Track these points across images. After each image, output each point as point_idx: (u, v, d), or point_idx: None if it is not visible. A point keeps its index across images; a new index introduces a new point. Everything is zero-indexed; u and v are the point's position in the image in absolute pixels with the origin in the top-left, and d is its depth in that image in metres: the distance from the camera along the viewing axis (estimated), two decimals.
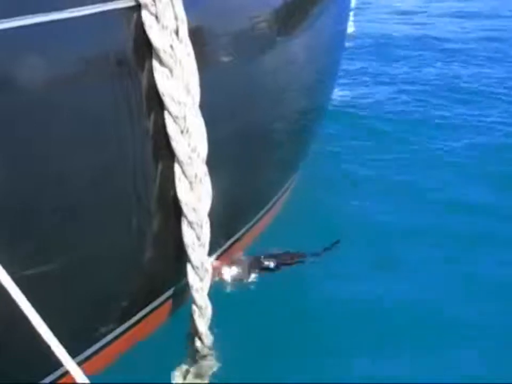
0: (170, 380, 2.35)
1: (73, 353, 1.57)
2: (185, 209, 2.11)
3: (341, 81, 6.46)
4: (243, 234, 2.98)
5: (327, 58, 4.23)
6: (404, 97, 6.81)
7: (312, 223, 3.99)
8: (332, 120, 5.38)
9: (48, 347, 1.49)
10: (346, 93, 6.81)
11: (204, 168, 2.13)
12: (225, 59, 2.44)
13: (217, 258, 2.64)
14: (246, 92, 2.63)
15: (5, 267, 1.46)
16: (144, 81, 1.97)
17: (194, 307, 2.30)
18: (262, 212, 3.22)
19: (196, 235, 2.17)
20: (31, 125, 1.67)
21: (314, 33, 3.53)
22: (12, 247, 1.65)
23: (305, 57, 3.38)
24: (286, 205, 3.75)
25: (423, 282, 3.54)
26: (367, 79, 7.55)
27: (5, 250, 1.49)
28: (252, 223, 3.07)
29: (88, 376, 1.56)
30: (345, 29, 5.18)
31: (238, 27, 2.53)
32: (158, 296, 2.39)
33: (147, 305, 2.34)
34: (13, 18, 1.56)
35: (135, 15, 1.89)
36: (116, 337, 2.24)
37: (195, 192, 2.11)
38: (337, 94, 6.19)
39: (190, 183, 2.10)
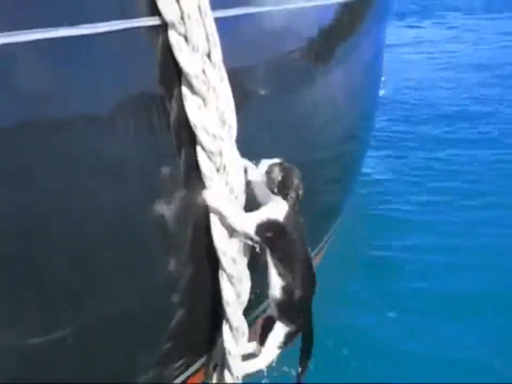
0: None
1: None
2: (224, 260, 1.79)
3: None
4: None
5: (366, 88, 4.03)
6: None
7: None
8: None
9: None
10: None
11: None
12: (260, 88, 2.16)
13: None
14: (284, 123, 2.34)
15: None
16: (173, 112, 1.69)
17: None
18: None
19: (236, 292, 1.85)
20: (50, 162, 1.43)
21: (351, 64, 3.31)
22: None
23: (343, 87, 3.15)
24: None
25: None
26: None
27: None
28: None
29: None
30: (381, 59, 5.01)
31: (274, 53, 2.27)
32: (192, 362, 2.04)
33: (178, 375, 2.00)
34: (31, 30, 1.34)
35: (161, 36, 1.63)
36: None
37: (234, 240, 1.80)
38: None
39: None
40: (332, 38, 2.84)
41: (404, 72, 9.86)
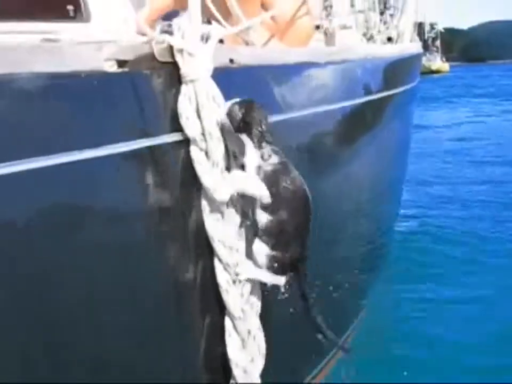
0: None
1: None
2: (236, 371, 1.78)
3: None
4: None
5: (395, 164, 4.06)
6: None
7: None
8: None
9: None
10: None
11: (258, 323, 1.82)
12: None
13: None
14: None
15: None
16: (192, 224, 1.72)
17: None
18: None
19: None
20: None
21: (379, 144, 3.35)
22: None
23: (372, 164, 3.18)
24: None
25: None
26: None
27: None
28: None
29: None
30: (410, 133, 5.10)
31: (299, 158, 2.31)
32: None
33: None
34: (54, 155, 1.37)
35: (182, 150, 1.67)
36: None
37: (247, 350, 1.79)
38: None
39: (242, 340, 1.78)
40: (356, 136, 2.89)
41: None
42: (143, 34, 3.00)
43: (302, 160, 2.29)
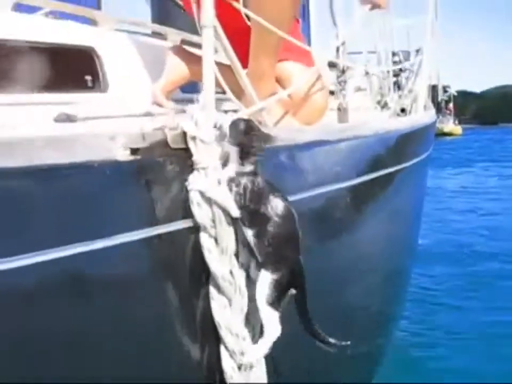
0: None
1: None
2: None
3: None
4: None
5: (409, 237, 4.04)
6: None
7: None
8: None
9: None
10: None
11: None
12: None
13: None
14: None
15: None
16: (199, 309, 1.70)
17: None
18: None
19: None
20: None
21: (393, 219, 3.35)
22: None
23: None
24: None
25: None
26: None
27: None
28: None
29: None
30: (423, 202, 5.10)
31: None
32: None
33: None
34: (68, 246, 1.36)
35: (193, 236, 1.67)
36: None
37: None
38: None
39: None
40: (368, 212, 2.88)
41: None
42: (159, 105, 3.06)
43: (315, 238, 2.28)
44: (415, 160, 4.08)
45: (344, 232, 2.65)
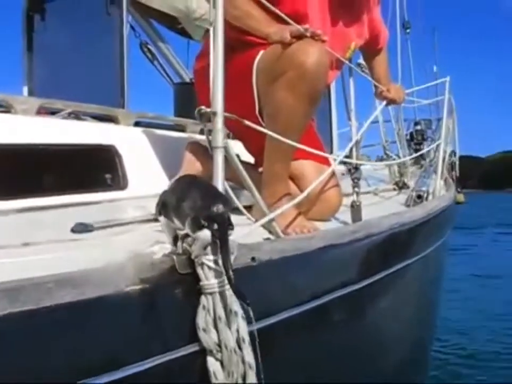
0: None
1: None
2: None
3: None
4: None
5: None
6: None
7: None
8: None
9: None
10: None
11: None
12: None
13: None
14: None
15: None
16: None
17: None
18: None
19: None
20: None
21: (413, 310, 3.31)
22: None
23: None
24: None
25: None
26: None
27: None
28: None
29: None
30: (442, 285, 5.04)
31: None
32: None
33: None
34: None
35: (199, 361, 1.68)
36: None
37: None
38: None
39: None
40: (387, 310, 2.86)
41: None
42: None
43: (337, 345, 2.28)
44: (437, 244, 4.05)
45: (360, 335, 2.63)
